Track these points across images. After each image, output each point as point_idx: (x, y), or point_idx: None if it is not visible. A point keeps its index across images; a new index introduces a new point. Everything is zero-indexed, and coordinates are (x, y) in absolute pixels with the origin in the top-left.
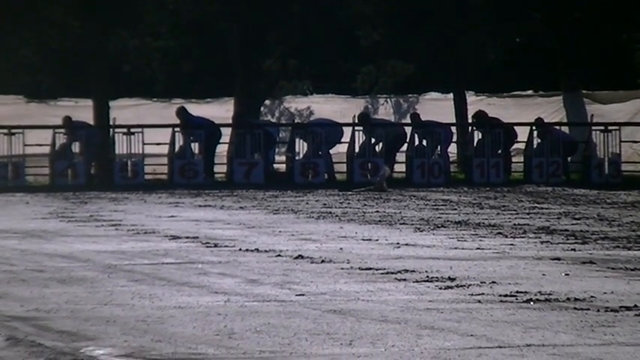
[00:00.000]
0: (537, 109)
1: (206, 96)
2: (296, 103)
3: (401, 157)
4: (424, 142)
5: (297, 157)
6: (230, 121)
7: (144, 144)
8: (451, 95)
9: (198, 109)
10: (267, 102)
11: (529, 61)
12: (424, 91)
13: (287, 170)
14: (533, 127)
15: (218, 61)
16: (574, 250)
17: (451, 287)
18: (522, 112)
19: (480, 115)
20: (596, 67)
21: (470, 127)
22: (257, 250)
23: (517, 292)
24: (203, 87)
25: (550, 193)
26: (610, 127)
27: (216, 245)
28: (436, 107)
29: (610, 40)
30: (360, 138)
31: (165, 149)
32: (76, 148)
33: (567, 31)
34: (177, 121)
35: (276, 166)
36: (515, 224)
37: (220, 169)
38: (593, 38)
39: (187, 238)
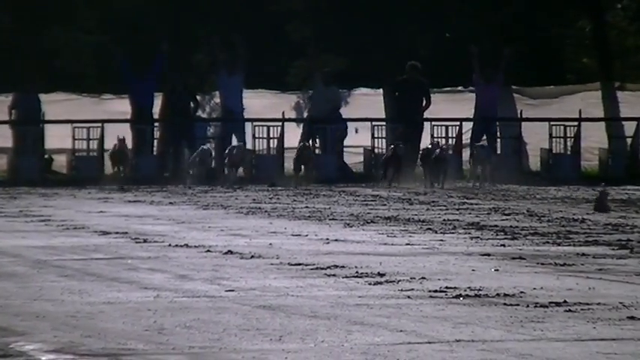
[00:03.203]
0: (467, 105)
1: (137, 92)
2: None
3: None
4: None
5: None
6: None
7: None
8: (381, 91)
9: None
10: (199, 97)
11: (460, 56)
12: (355, 87)
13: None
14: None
15: (147, 56)
16: (504, 245)
17: (381, 283)
18: (453, 107)
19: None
20: (526, 63)
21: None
22: (187, 245)
23: (447, 287)
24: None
25: (479, 188)
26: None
27: (145, 241)
28: (367, 102)
29: (541, 35)
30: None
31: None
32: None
33: (497, 26)
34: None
35: None
36: (444, 220)
37: None
38: (524, 33)
39: (117, 233)
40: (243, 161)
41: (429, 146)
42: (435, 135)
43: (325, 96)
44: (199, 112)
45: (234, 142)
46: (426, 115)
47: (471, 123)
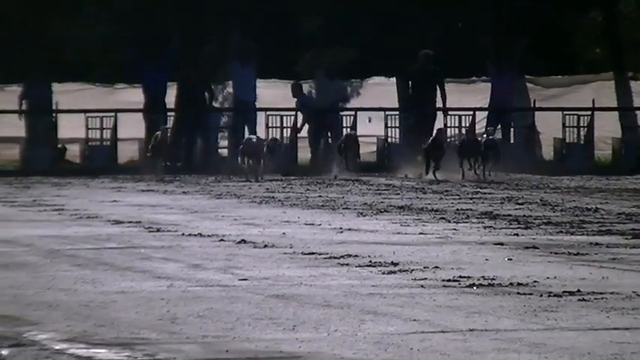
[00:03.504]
0: (479, 95)
1: (150, 82)
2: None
3: None
4: None
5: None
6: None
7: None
8: (394, 80)
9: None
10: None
11: (472, 46)
12: (368, 76)
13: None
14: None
15: (159, 46)
16: (517, 235)
17: (394, 272)
18: (464, 97)
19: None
20: (539, 53)
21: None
22: (200, 234)
23: (460, 277)
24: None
25: (493, 177)
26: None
27: (159, 230)
28: (380, 91)
29: (553, 26)
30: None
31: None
32: None
33: (510, 16)
34: (120, 106)
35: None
36: (458, 209)
37: None
38: (536, 24)
39: (130, 222)
40: (270, 152)
41: (464, 137)
42: (449, 124)
43: (330, 89)
44: (213, 102)
45: (247, 133)
46: (438, 104)
47: (485, 113)
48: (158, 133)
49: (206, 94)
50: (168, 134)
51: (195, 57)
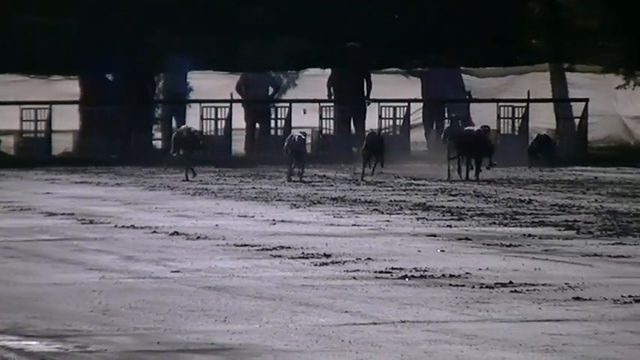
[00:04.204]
0: (416, 85)
1: (87, 73)
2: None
3: None
4: None
5: None
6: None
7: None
8: (329, 72)
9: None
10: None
11: (409, 37)
12: (303, 67)
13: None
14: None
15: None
16: (450, 226)
17: (327, 264)
18: (404, 88)
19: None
20: (476, 44)
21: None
22: (133, 226)
23: (393, 268)
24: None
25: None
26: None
27: (92, 222)
28: (315, 83)
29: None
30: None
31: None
32: None
33: (448, 7)
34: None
35: None
36: (391, 201)
37: None
38: (474, 15)
39: (64, 214)
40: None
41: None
42: (384, 116)
43: (262, 82)
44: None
45: (174, 125)
46: (373, 96)
47: (420, 104)
48: (182, 129)
49: (148, 86)
50: (195, 133)
51: (134, 49)
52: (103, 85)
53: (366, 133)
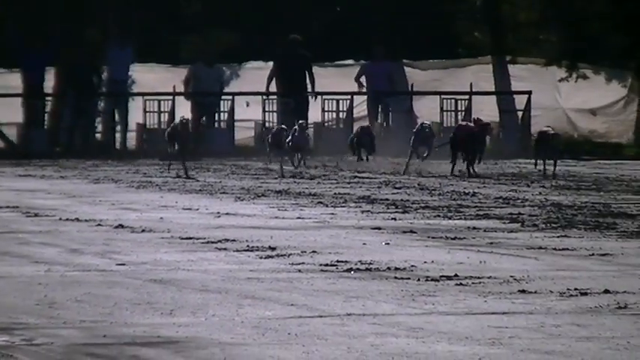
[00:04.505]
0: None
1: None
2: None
3: None
4: None
5: None
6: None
7: None
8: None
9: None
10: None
11: (351, 29)
12: (246, 60)
13: None
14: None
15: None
16: (395, 219)
17: (272, 257)
18: (343, 81)
19: None
20: (418, 37)
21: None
22: (78, 219)
23: (338, 261)
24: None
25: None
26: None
27: (36, 215)
28: (257, 76)
29: (432, 9)
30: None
31: None
32: None
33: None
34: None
35: None
36: (336, 193)
37: None
38: (415, 7)
39: (8, 207)
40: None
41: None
42: (327, 109)
43: (211, 77)
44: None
45: (117, 117)
46: (317, 89)
47: (362, 97)
48: (177, 122)
49: (94, 78)
50: (190, 125)
51: (77, 41)
52: (42, 77)
53: (358, 128)
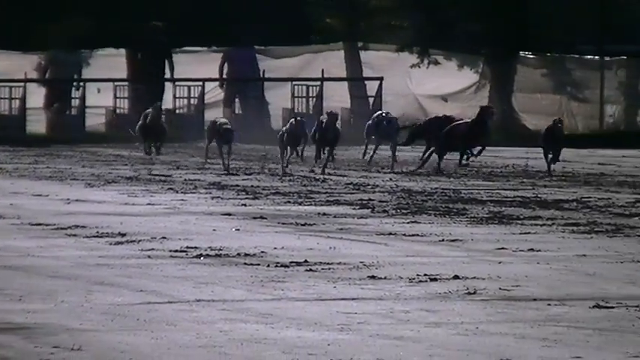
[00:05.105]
0: (212, 64)
1: None
2: None
3: None
4: None
5: None
6: None
7: None
8: (124, 51)
9: None
10: None
11: (212, 15)
12: (97, 47)
13: None
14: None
15: None
16: (245, 205)
17: (122, 243)
18: (199, 68)
19: None
20: (272, 23)
21: None
22: None
23: (188, 247)
24: None
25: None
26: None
27: None
28: (110, 63)
29: None
30: None
31: None
32: None
33: None
34: None
35: None
36: (186, 179)
37: None
38: None
39: None
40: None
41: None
42: (178, 95)
43: (69, 62)
44: None
45: None
46: (168, 75)
47: (216, 83)
48: (149, 111)
49: None
50: (163, 113)
51: None
52: None
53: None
